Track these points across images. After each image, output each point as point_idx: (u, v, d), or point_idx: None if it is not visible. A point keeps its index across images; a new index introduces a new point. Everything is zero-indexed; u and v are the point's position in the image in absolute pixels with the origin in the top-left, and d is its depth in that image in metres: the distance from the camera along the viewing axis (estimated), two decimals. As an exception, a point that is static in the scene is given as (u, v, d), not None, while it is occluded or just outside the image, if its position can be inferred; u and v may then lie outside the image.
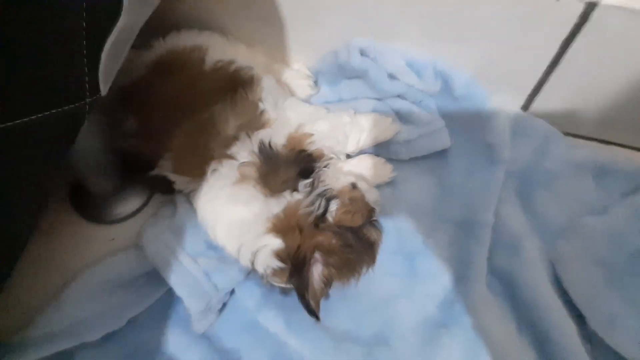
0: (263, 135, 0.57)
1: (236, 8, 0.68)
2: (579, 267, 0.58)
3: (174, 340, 0.57)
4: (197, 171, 0.57)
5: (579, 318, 0.57)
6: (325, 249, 0.51)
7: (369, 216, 0.56)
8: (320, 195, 0.53)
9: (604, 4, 0.56)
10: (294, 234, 0.52)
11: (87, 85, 0.46)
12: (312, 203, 0.53)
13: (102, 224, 0.63)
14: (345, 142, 0.63)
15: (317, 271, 0.51)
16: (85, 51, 0.44)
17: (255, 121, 0.58)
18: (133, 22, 0.50)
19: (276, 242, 0.52)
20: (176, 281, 0.55)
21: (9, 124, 0.37)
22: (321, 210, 0.53)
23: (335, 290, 0.55)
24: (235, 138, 0.57)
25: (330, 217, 0.53)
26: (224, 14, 0.69)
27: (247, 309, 0.58)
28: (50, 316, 0.54)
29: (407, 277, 0.60)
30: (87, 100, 0.46)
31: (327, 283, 0.52)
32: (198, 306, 0.54)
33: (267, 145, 0.56)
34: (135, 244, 0.60)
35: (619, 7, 0.56)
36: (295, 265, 0.51)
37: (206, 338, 0.57)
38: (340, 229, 0.53)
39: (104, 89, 0.48)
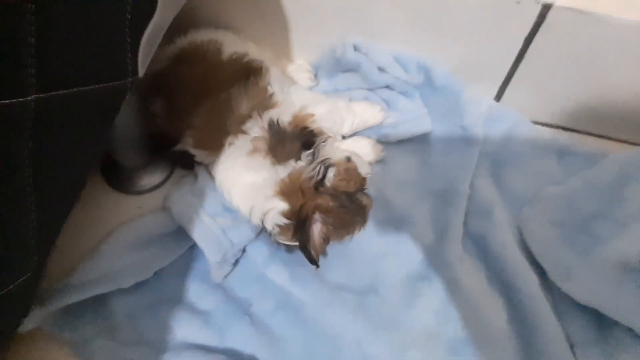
0: (272, 114, 0.64)
1: (247, 10, 0.77)
2: (540, 228, 0.67)
3: (194, 289, 0.66)
4: (215, 145, 0.65)
5: (541, 272, 0.65)
6: (323, 209, 0.59)
7: (362, 185, 0.65)
8: (320, 163, 0.61)
9: (557, 6, 0.64)
10: (297, 196, 0.60)
11: (129, 67, 0.55)
12: (313, 169, 0.61)
13: (130, 194, 0.73)
14: (342, 124, 0.72)
15: (317, 229, 0.59)
16: (129, 39, 0.54)
17: (265, 102, 0.66)
18: (164, 17, 0.60)
19: (282, 205, 0.60)
20: (198, 235, 0.63)
21: (73, 89, 0.47)
22: (320, 176, 0.60)
23: (332, 249, 0.64)
24: (248, 116, 0.64)
25: (328, 183, 0.62)
26: (236, 15, 0.78)
27: (257, 264, 0.67)
28: (89, 266, 0.63)
29: (394, 238, 0.69)
30: (129, 79, 0.56)
31: (326, 239, 0.60)
32: (216, 257, 0.63)
33: (275, 122, 0.64)
34: (161, 208, 0.68)
35: (570, 8, 0.64)
36: (298, 222, 0.59)
37: (221, 288, 0.66)
38: (337, 193, 0.62)
39: (141, 72, 0.58)
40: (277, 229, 0.61)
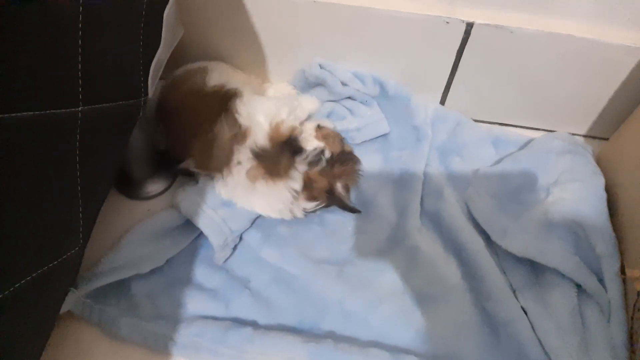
0: (249, 144, 0.73)
1: (230, 43, 0.91)
2: (481, 201, 0.81)
3: (200, 272, 0.77)
4: (216, 169, 0.75)
5: (486, 237, 0.78)
6: (338, 175, 0.76)
7: (341, 139, 0.82)
8: (317, 155, 0.75)
9: (478, 23, 0.77)
10: (321, 186, 0.75)
11: (142, 87, 0.69)
12: (318, 163, 0.75)
13: (139, 200, 0.85)
14: (302, 114, 0.82)
15: (339, 188, 0.76)
16: (141, 67, 0.68)
17: (240, 134, 0.73)
18: (166, 49, 0.74)
19: (308, 199, 0.75)
20: (203, 225, 0.75)
21: (114, 103, 0.60)
22: (324, 161, 0.75)
23: (315, 233, 0.80)
24: (232, 149, 0.73)
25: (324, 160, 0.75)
26: (222, 48, 0.92)
27: (252, 248, 0.79)
28: (112, 257, 0.74)
29: (363, 219, 0.82)
30: (142, 98, 0.70)
31: (347, 188, 0.78)
32: (219, 241, 0.74)
33: (257, 149, 0.72)
34: (170, 207, 0.80)
35: (488, 24, 0.77)
36: (329, 197, 0.76)
37: (224, 269, 0.77)
38: (338, 157, 0.77)
39: (150, 92, 0.72)
40: (310, 209, 0.76)
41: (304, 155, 0.74)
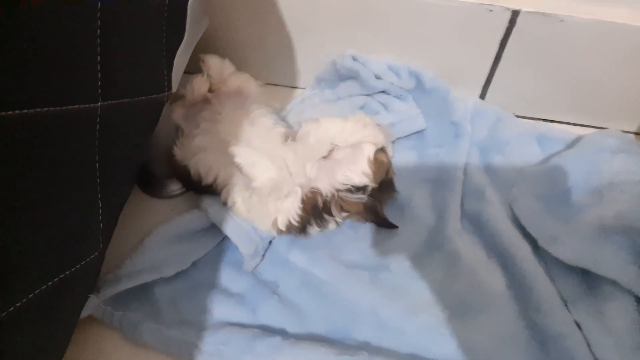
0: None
1: (258, 32, 0.88)
2: (527, 203, 0.75)
3: (226, 276, 0.73)
4: None
5: (532, 242, 0.73)
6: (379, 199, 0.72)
7: (389, 168, 0.74)
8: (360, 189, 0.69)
9: (524, 11, 0.73)
10: (354, 209, 0.71)
11: (165, 82, 0.66)
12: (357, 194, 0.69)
13: (162, 198, 0.82)
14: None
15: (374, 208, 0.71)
16: (164, 59, 0.64)
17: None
18: (191, 41, 0.71)
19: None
20: (232, 233, 0.71)
21: (135, 99, 0.57)
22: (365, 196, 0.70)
23: (346, 233, 0.76)
24: None
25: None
26: (250, 38, 0.89)
27: (280, 252, 0.75)
28: (135, 259, 0.71)
29: (399, 221, 0.76)
30: (166, 92, 0.66)
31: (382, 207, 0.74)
32: (249, 250, 0.71)
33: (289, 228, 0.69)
34: (195, 208, 0.76)
35: (536, 12, 0.73)
36: (377, 221, 0.73)
37: (251, 273, 0.73)
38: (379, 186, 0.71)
39: (174, 87, 0.68)
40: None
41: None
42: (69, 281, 0.50)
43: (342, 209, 0.69)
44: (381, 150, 0.72)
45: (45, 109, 0.41)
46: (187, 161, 0.74)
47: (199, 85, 0.79)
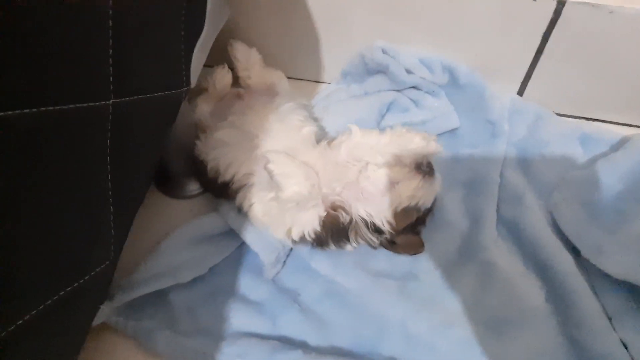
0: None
1: (282, 24, 0.83)
2: (570, 210, 0.70)
3: (245, 282, 0.70)
4: None
5: (574, 251, 0.68)
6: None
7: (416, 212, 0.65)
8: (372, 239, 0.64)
9: (571, 1, 0.68)
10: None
11: (184, 78, 0.62)
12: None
13: (180, 199, 0.78)
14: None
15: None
16: (183, 52, 0.60)
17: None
18: (211, 33, 0.67)
19: None
20: (252, 240, 0.68)
21: (150, 95, 0.53)
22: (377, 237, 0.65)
23: None
24: None
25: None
26: (273, 30, 0.84)
27: (302, 257, 0.71)
28: (150, 263, 0.67)
29: (429, 227, 0.71)
30: (184, 88, 0.62)
31: None
32: (270, 258, 0.67)
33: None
34: (214, 211, 0.73)
35: (584, 2, 0.68)
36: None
37: (271, 281, 0.70)
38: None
39: (193, 82, 0.64)
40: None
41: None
42: (77, 294, 0.46)
43: (357, 235, 0.64)
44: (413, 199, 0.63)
45: (51, 107, 0.38)
46: (207, 155, 0.70)
47: (221, 76, 0.76)
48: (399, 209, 0.63)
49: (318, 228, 0.62)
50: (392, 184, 0.63)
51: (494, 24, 0.75)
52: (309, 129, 0.70)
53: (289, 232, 0.64)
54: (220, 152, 0.69)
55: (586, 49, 0.75)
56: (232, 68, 0.82)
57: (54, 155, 0.40)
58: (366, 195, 0.64)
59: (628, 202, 0.69)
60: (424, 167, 0.63)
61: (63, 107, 0.39)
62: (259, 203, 0.66)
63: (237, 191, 0.68)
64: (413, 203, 0.62)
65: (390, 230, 0.64)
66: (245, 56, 0.79)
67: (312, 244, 0.66)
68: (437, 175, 0.65)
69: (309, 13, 0.80)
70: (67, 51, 0.38)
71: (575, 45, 0.75)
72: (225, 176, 0.68)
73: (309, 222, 0.62)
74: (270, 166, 0.60)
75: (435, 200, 0.67)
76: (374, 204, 0.63)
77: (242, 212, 0.69)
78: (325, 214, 0.63)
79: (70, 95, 0.40)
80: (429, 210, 0.67)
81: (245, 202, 0.67)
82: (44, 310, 0.43)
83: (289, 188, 0.59)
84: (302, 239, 0.64)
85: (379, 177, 0.63)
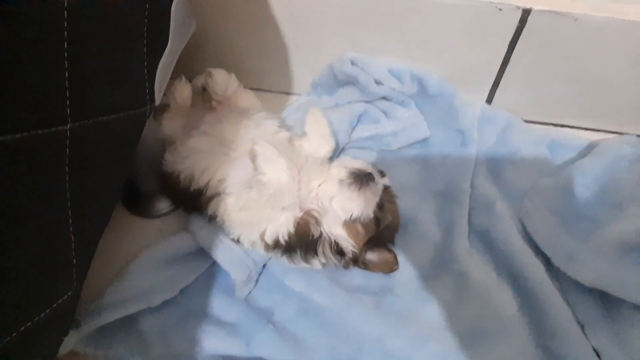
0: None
1: (249, 45, 0.82)
2: (541, 218, 0.70)
3: (218, 303, 0.68)
4: None
5: (546, 260, 0.68)
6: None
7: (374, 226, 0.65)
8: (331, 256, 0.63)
9: (536, 9, 0.68)
10: None
11: (147, 96, 0.60)
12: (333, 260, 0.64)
13: (149, 218, 0.76)
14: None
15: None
16: (146, 69, 0.58)
17: None
18: (176, 47, 0.65)
19: None
20: (223, 259, 0.66)
21: (110, 116, 0.51)
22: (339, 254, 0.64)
23: None
24: None
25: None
26: (242, 42, 0.83)
27: (275, 275, 0.69)
28: (119, 287, 0.65)
29: (403, 239, 0.71)
30: (148, 106, 0.60)
31: None
32: (241, 276, 0.66)
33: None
34: (184, 230, 0.71)
35: (548, 10, 0.68)
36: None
37: (244, 300, 0.68)
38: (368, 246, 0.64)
39: (157, 100, 0.62)
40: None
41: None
42: (38, 329, 0.44)
43: (324, 253, 0.63)
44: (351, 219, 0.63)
45: (1, 137, 0.36)
46: (179, 165, 0.68)
47: (180, 90, 0.73)
48: (344, 223, 0.63)
49: (292, 230, 0.61)
50: (330, 199, 0.63)
51: (461, 34, 0.75)
52: (285, 134, 0.70)
53: (262, 235, 0.63)
54: (194, 159, 0.67)
55: (552, 56, 0.75)
56: (204, 88, 0.79)
57: (7, 186, 0.38)
58: (331, 208, 0.63)
59: (597, 209, 0.70)
60: (351, 179, 0.63)
61: (14, 136, 0.37)
62: (236, 199, 0.63)
63: (210, 199, 0.66)
64: (349, 216, 0.62)
65: (353, 248, 0.63)
66: (225, 83, 0.76)
67: (283, 251, 0.64)
68: (376, 182, 0.64)
69: (279, 24, 0.79)
70: (19, 74, 0.36)
71: (541, 52, 0.75)
72: (200, 182, 0.66)
73: (284, 223, 0.62)
74: (257, 148, 0.61)
75: (398, 215, 0.67)
76: (330, 219, 0.63)
77: (214, 222, 0.67)
78: (301, 214, 0.62)
79: (24, 123, 0.38)
80: (394, 224, 0.66)
81: (220, 206, 0.65)
82: (3, 349, 0.40)
83: (270, 173, 0.60)
84: (276, 244, 0.63)
85: (321, 192, 0.64)
